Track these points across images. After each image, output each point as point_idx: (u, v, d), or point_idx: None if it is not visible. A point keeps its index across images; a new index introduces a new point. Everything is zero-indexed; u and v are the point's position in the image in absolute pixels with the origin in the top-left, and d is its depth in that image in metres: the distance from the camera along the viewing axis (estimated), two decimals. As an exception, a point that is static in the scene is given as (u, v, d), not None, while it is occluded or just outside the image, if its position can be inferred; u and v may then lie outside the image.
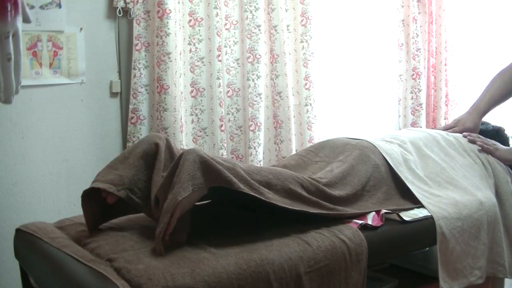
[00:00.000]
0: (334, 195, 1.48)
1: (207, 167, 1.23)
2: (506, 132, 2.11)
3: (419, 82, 2.79)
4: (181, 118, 2.09)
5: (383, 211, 1.53)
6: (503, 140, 2.05)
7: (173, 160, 1.34)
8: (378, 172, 1.65)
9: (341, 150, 1.73)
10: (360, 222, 1.45)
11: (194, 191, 1.20)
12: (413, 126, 2.80)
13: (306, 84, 2.39)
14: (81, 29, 1.98)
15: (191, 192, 1.20)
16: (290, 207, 1.36)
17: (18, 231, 1.46)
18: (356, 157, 1.66)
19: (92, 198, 1.35)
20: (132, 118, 2.04)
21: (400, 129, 2.82)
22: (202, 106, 2.20)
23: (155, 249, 1.20)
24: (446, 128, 2.10)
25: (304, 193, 1.41)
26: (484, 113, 2.05)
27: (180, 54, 2.11)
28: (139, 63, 2.05)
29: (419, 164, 1.77)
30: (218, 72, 2.18)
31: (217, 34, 2.17)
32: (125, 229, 1.40)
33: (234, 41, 2.27)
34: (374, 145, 1.74)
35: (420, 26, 2.81)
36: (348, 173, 1.59)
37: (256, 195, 1.30)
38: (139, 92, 2.05)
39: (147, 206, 1.37)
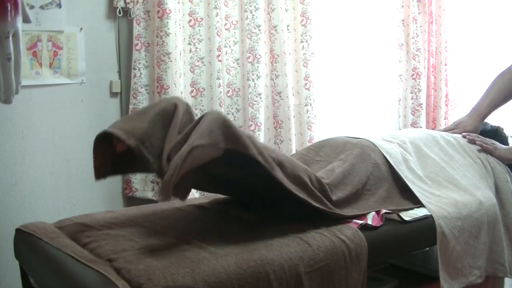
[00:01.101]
0: (335, 199, 1.48)
1: (228, 128, 1.20)
2: (504, 131, 2.11)
3: (419, 82, 2.79)
4: (181, 118, 2.09)
5: (383, 211, 1.53)
6: (502, 139, 2.04)
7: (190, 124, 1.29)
8: (378, 171, 1.65)
9: (341, 149, 1.73)
10: (360, 222, 1.45)
11: (210, 145, 1.16)
12: (413, 126, 2.80)
13: (306, 84, 2.39)
14: (81, 29, 1.98)
15: (207, 144, 1.15)
16: (296, 193, 1.35)
17: (18, 231, 1.46)
18: (357, 155, 1.66)
19: (104, 145, 1.34)
20: (132, 118, 2.04)
21: (400, 129, 2.83)
22: (202, 106, 2.19)
23: (161, 194, 1.15)
24: (446, 130, 2.09)
25: (310, 185, 1.41)
26: (485, 116, 2.04)
27: (180, 54, 2.11)
28: (139, 63, 2.05)
29: (418, 164, 1.77)
30: (218, 72, 2.18)
31: (217, 34, 2.17)
32: (125, 229, 1.40)
33: (234, 41, 2.27)
34: (374, 144, 1.74)
35: (420, 26, 2.81)
36: (349, 172, 1.59)
37: (268, 169, 1.27)
38: (139, 92, 2.05)
39: (156, 164, 1.30)
